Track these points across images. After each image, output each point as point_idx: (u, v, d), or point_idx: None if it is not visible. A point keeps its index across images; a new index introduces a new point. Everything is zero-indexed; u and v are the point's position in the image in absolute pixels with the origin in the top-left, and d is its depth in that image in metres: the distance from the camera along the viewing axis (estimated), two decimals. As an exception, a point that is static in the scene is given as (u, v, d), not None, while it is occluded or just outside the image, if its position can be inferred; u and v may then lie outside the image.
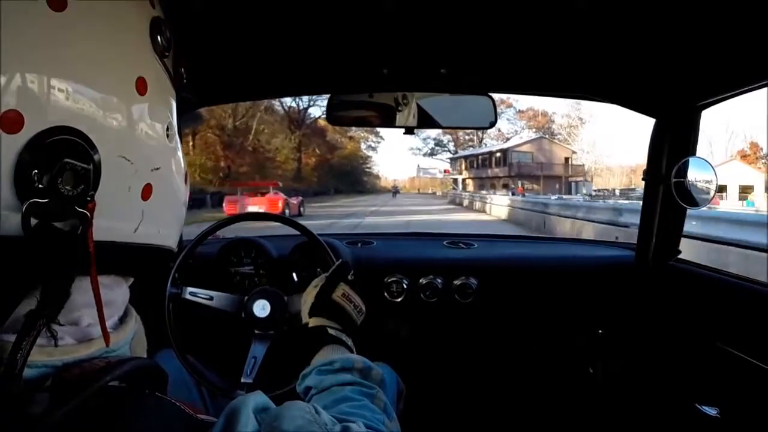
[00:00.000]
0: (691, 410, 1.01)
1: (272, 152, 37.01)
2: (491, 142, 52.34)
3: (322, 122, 43.97)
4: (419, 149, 62.96)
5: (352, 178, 53.83)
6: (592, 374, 1.38)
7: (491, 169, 44.45)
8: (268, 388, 0.73)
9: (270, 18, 0.77)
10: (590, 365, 1.42)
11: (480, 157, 47.83)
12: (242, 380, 0.90)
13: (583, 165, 43.38)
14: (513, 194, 25.89)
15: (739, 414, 0.94)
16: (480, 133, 43.13)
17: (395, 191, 45.54)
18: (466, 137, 55.44)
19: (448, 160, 56.72)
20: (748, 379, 0.89)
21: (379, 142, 58.32)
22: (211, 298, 0.95)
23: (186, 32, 0.74)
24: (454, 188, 45.86)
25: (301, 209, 17.32)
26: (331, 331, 0.63)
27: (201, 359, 0.96)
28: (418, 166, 54.95)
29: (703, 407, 1.00)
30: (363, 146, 57.73)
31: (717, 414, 0.97)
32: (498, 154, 43.77)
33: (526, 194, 26.89)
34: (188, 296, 0.95)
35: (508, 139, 51.18)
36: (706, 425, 0.99)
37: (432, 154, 62.18)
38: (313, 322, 0.66)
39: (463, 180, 49.09)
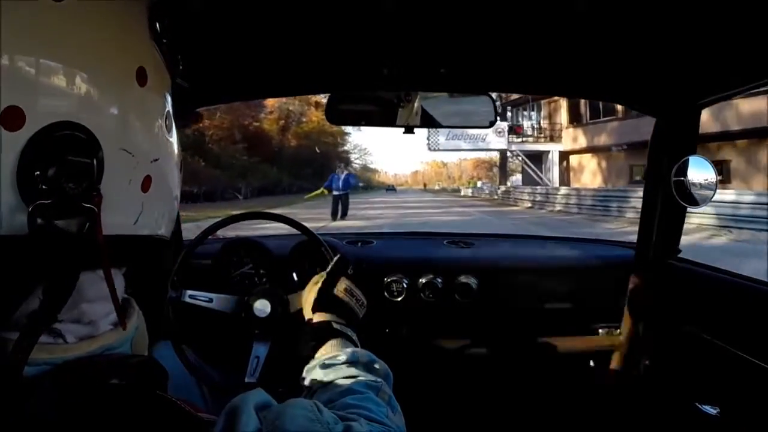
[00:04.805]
0: (691, 410, 1.02)
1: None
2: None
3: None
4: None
5: (313, 169, 29.76)
6: (592, 374, 1.38)
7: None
8: (271, 387, 0.76)
9: (270, 17, 0.77)
10: (590, 365, 1.42)
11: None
12: (246, 380, 0.90)
13: None
14: None
15: (739, 413, 0.94)
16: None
17: (340, 196, 11.08)
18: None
19: (509, 109, 20.81)
20: (748, 378, 0.89)
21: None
22: (210, 300, 0.95)
23: (185, 32, 0.74)
24: (509, 185, 20.64)
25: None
26: (335, 326, 0.64)
27: (204, 359, 0.96)
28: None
29: (703, 407, 1.00)
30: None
31: (717, 413, 0.97)
32: None
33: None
34: (188, 299, 0.94)
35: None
36: (706, 425, 0.99)
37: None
38: (317, 317, 0.67)
39: (566, 156, 18.47)
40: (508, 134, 18.37)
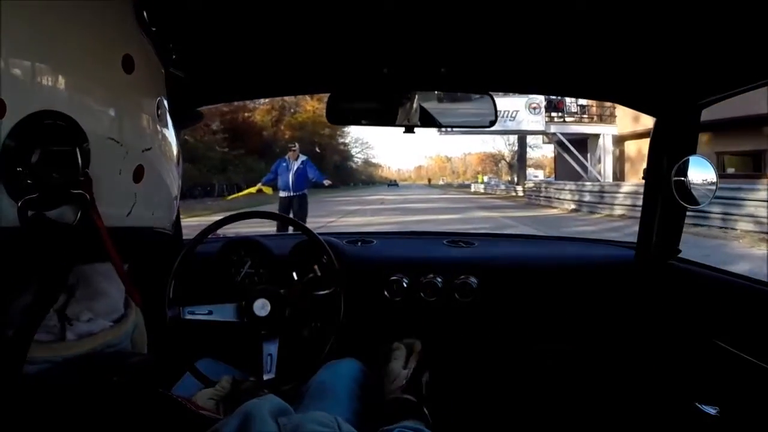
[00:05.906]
0: (691, 409, 1.02)
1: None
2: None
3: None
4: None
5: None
6: (592, 373, 1.38)
7: None
8: (290, 381, 0.86)
9: (270, 17, 0.77)
10: (590, 364, 1.42)
11: None
12: (264, 377, 0.92)
13: None
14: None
15: (739, 413, 0.94)
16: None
17: (291, 198, 5.92)
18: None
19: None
20: (747, 378, 0.89)
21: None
22: (210, 313, 0.95)
23: (185, 31, 0.74)
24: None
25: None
26: (425, 410, 0.73)
27: (217, 365, 0.97)
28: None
29: (703, 406, 1.00)
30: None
31: (716, 413, 0.97)
32: None
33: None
34: (187, 316, 0.95)
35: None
36: (705, 424, 0.99)
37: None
38: (406, 396, 0.77)
39: (619, 142, 13.38)
40: (546, 111, 12.81)
